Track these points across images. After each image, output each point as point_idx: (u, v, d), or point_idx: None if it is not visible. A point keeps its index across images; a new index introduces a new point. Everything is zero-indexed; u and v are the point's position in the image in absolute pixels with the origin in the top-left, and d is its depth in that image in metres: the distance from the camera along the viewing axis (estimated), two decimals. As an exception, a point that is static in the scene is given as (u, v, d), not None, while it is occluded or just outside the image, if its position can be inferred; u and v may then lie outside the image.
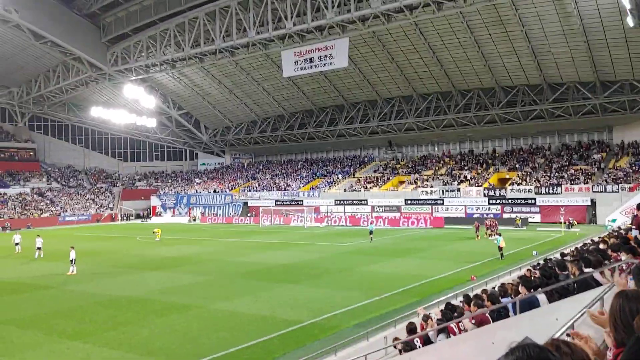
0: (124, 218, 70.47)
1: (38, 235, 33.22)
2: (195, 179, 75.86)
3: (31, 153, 75.72)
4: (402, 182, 57.29)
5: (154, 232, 41.52)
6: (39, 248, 31.80)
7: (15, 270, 26.74)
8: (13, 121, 75.13)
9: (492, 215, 47.01)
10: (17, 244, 34.47)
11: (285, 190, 62.41)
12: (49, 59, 60.76)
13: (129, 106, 67.60)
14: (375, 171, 62.63)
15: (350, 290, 19.31)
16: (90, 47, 56.42)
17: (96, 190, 74.68)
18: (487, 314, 6.96)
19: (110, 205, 72.00)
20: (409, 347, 6.87)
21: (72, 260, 24.90)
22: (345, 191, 58.26)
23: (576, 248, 17.70)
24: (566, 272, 7.65)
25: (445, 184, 52.70)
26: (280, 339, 13.54)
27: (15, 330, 14.98)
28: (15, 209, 63.01)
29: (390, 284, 20.29)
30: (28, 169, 73.09)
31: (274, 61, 54.29)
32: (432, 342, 7.02)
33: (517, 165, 53.18)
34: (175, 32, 51.17)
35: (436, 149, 63.81)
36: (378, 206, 54.00)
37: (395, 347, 7.66)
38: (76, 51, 55.44)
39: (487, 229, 37.04)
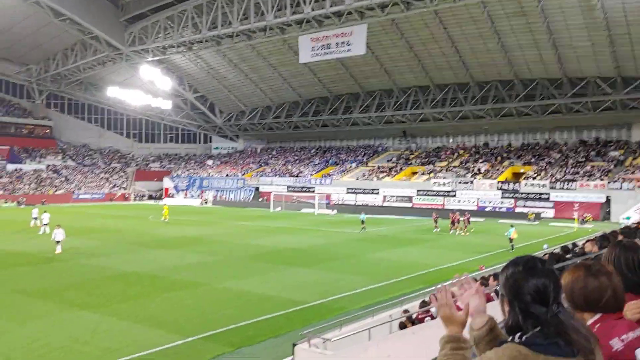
0: (137, 198, 71.13)
1: (45, 211, 33.36)
2: (208, 162, 76.21)
3: (47, 130, 76.50)
4: (415, 173, 57.04)
5: (165, 207, 42.12)
6: (45, 224, 31.79)
7: (29, 244, 27.11)
8: (31, 98, 75.86)
9: (504, 209, 46.74)
10: (34, 218, 34.61)
11: (297, 176, 62.47)
12: (67, 37, 61.09)
13: (145, 87, 67.90)
14: (388, 161, 62.39)
15: (357, 275, 19.33)
16: (108, 26, 56.61)
17: (110, 169, 75.39)
18: (492, 293, 6.93)
19: (124, 185, 72.67)
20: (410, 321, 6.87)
21: (58, 241, 23.72)
22: (357, 180, 58.16)
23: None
24: (570, 255, 7.58)
25: (459, 176, 52.36)
26: (286, 317, 13.62)
27: (27, 300, 15.24)
28: (30, 184, 63.86)
29: (397, 270, 20.28)
30: (44, 146, 73.94)
31: (291, 46, 54.06)
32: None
33: (532, 160, 52.64)
34: (193, 13, 51.15)
35: (451, 140, 63.34)
36: (390, 196, 53.85)
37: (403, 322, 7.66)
38: (94, 30, 55.65)
39: (466, 224, 33.94)
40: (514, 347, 1.63)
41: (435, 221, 35.15)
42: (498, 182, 48.84)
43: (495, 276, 7.77)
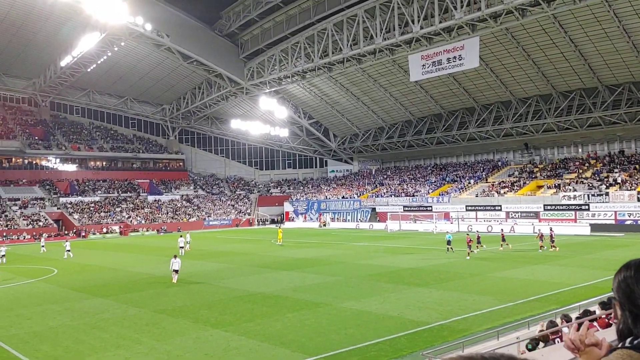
0: (260, 223, 74.73)
1: (181, 236, 36.48)
2: (325, 186, 78.02)
3: (180, 163, 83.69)
4: (540, 187, 53.54)
5: (279, 230, 43.72)
6: (181, 247, 35.48)
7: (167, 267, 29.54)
8: (166, 135, 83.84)
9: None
10: (181, 247, 35.94)
11: (413, 196, 61.65)
12: (194, 77, 66.94)
13: (264, 117, 71.84)
14: (510, 175, 59.32)
15: (481, 295, 18.52)
16: (230, 64, 61.19)
17: (235, 196, 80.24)
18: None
19: (248, 211, 76.82)
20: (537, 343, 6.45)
21: (175, 270, 23.98)
22: (477, 196, 55.94)
23: None
24: None
25: (591, 188, 48.22)
26: (408, 338, 13.44)
27: (167, 318, 16.64)
28: (167, 214, 70.00)
29: (526, 290, 19.09)
30: (178, 178, 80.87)
31: (401, 66, 54.14)
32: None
33: (679, 166, 46.98)
34: (305, 44, 53.44)
35: (580, 150, 58.69)
36: (513, 212, 51.00)
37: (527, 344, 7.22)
38: (218, 69, 60.39)
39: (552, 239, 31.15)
40: (625, 353, 1.57)
41: (476, 241, 31.25)
42: (639, 192, 44.15)
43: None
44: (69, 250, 36.60)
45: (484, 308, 16.44)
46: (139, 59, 63.12)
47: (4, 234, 55.36)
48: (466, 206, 54.83)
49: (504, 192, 54.22)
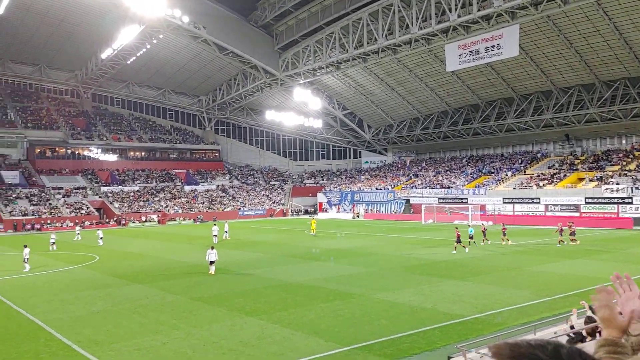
0: (294, 213, 75.18)
1: (215, 225, 37.75)
2: (359, 177, 77.82)
3: (216, 154, 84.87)
4: (581, 179, 51.98)
5: (310, 219, 44.10)
6: (214, 235, 36.93)
7: (204, 255, 30.11)
8: (202, 126, 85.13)
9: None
10: (215, 235, 37.38)
11: (448, 187, 60.84)
12: (230, 68, 67.60)
13: (298, 108, 72.01)
14: (549, 167, 57.79)
15: (518, 289, 18.20)
16: (265, 55, 61.49)
17: (270, 187, 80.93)
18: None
19: (282, 201, 77.37)
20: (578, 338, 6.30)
21: (211, 262, 23.61)
22: (514, 189, 54.76)
23: None
24: None
25: (635, 181, 46.53)
26: (442, 331, 13.35)
27: (204, 306, 17.01)
28: (203, 203, 71.21)
29: (564, 285, 18.65)
30: (214, 168, 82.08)
31: (437, 56, 53.30)
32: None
33: None
34: (340, 34, 53.18)
35: (624, 142, 56.61)
36: (553, 205, 49.74)
37: (569, 335, 7.08)
38: (253, 60, 60.78)
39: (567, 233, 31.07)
40: None
41: (482, 235, 31.43)
42: (687, 186, 42.38)
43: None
44: (101, 238, 38.21)
45: (521, 302, 16.16)
46: (176, 51, 64.14)
47: (49, 222, 57.49)
48: (503, 199, 53.79)
49: (543, 185, 52.91)
